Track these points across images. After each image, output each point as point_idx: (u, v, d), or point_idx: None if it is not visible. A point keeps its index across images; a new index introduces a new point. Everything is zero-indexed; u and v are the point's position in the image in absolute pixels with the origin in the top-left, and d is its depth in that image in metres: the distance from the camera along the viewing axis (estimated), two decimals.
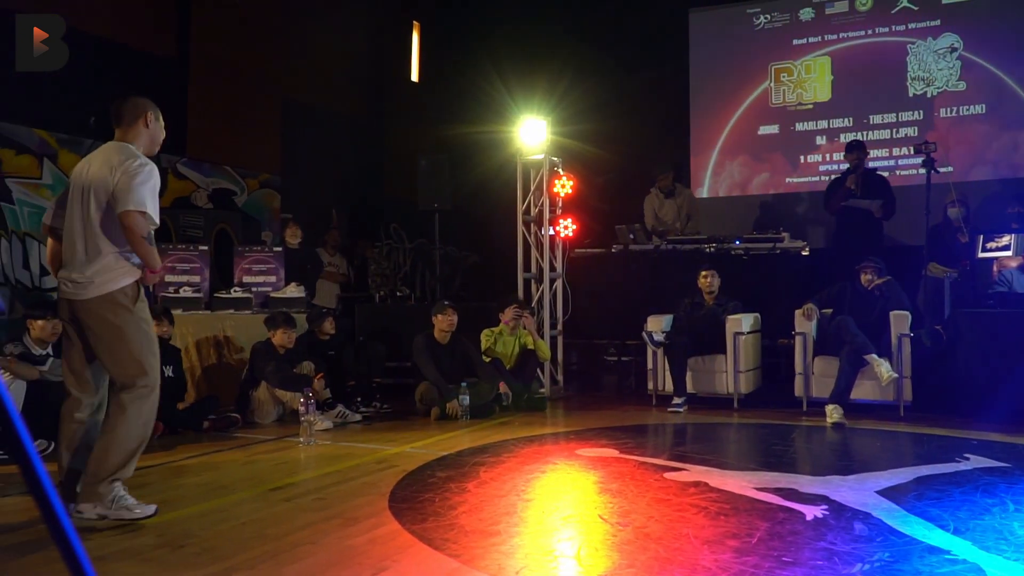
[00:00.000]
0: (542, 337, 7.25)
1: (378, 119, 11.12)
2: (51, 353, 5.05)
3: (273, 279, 7.23)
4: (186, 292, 6.60)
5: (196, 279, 6.77)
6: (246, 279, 7.13)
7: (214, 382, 6.37)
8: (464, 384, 6.09)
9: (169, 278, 6.66)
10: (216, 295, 6.83)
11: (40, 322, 5.02)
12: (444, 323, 6.40)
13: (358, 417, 6.06)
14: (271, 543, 3.04)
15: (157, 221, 3.39)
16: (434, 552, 2.93)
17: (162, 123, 3.68)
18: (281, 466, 4.51)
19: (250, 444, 5.19)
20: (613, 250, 8.19)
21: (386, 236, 11.00)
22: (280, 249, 7.43)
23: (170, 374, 5.63)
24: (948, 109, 8.94)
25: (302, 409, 5.15)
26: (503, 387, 6.40)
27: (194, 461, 4.68)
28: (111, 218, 3.35)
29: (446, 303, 6.57)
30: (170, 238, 7.88)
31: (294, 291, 7.13)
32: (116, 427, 3.31)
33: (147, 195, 3.34)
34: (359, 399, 6.40)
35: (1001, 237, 6.29)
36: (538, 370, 7.07)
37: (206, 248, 7.05)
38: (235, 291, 6.88)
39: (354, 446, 5.09)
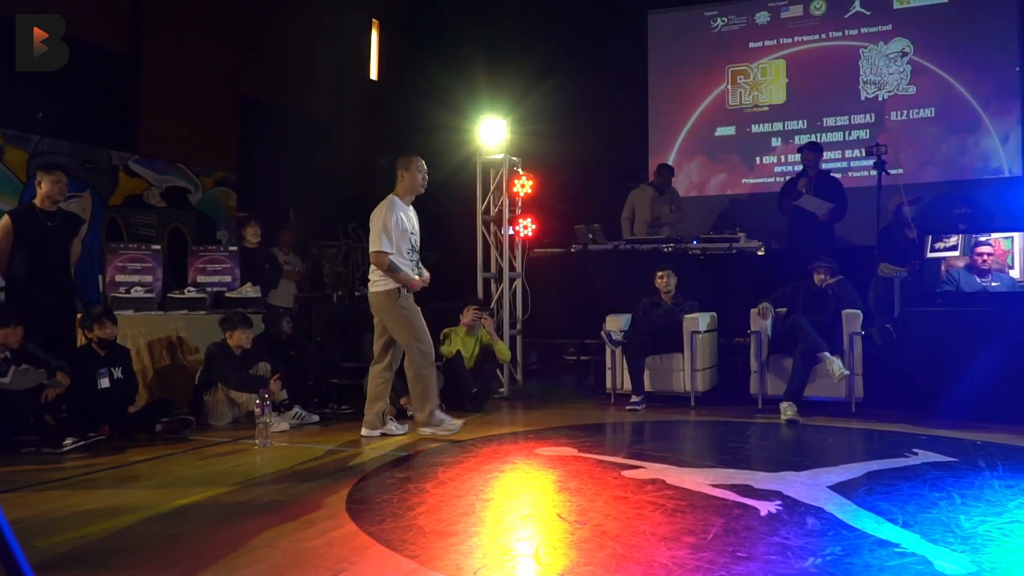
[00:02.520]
0: (501, 337, 7.26)
1: (337, 117, 11.02)
2: (11, 359, 4.93)
3: (228, 279, 7.12)
4: (138, 292, 6.47)
5: (148, 279, 6.65)
6: (200, 279, 7.02)
7: (167, 384, 6.26)
8: None
9: (120, 278, 6.54)
10: (169, 295, 6.71)
11: (2, 330, 4.90)
12: None
13: (316, 418, 6.00)
14: (226, 547, 2.99)
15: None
16: (392, 553, 2.91)
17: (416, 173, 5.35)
18: (236, 468, 4.45)
19: (204, 446, 5.11)
20: (572, 250, 8.23)
21: (344, 235, 10.91)
22: (235, 249, 7.32)
23: (120, 375, 5.53)
24: (899, 112, 9.13)
25: (258, 411, 5.08)
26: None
27: (147, 464, 4.59)
28: None
29: None
30: (121, 237, 7.73)
31: (250, 291, 7.03)
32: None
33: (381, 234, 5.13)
34: (316, 400, 6.34)
35: (949, 238, 6.43)
36: (497, 370, 7.08)
37: (159, 248, 6.93)
38: (189, 291, 6.77)
39: (311, 447, 5.05)
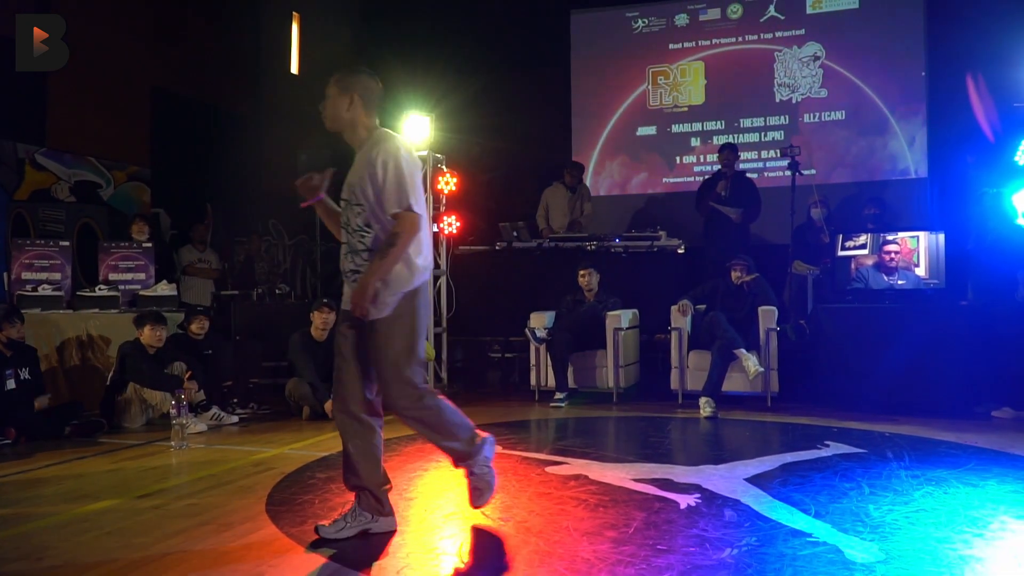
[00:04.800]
0: (426, 334, 7.21)
1: (256, 111, 10.77)
2: None
3: (142, 276, 6.90)
4: (46, 290, 6.21)
5: (57, 276, 6.38)
6: (112, 276, 6.77)
7: (77, 386, 6.03)
8: None
9: (27, 275, 6.26)
10: (79, 293, 6.46)
11: None
12: (320, 321, 6.26)
13: (234, 419, 5.87)
14: (138, 552, 2.90)
15: None
16: (313, 555, 2.87)
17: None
18: (150, 472, 4.31)
19: (116, 450, 4.93)
20: (497, 247, 8.24)
21: (265, 231, 10.68)
22: (149, 245, 7.09)
23: (26, 376, 5.31)
24: (811, 115, 9.44)
25: (174, 412, 4.94)
26: None
27: (54, 469, 4.41)
28: None
29: (324, 301, 6.44)
30: (28, 233, 7.40)
31: (165, 289, 6.83)
32: None
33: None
34: (235, 400, 6.19)
35: (858, 237, 6.68)
36: None
37: (68, 244, 6.65)
38: (100, 289, 6.52)
39: (229, 449, 4.93)
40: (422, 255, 3.10)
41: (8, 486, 4.01)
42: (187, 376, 5.74)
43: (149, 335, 5.78)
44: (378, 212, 3.07)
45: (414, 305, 3.11)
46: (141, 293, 6.73)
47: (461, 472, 3.25)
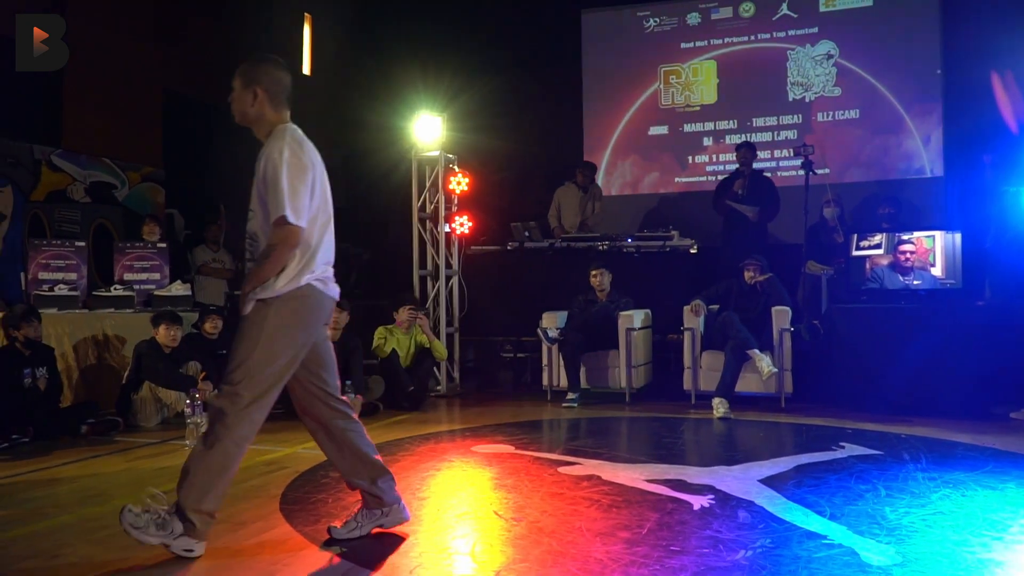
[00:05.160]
0: (438, 335, 7.23)
1: None
2: None
3: (157, 276, 6.94)
4: (62, 290, 6.25)
5: (73, 276, 6.42)
6: (127, 276, 6.81)
7: (93, 385, 6.06)
8: (348, 383, 5.98)
9: (43, 275, 6.30)
10: (95, 293, 6.50)
11: None
12: (332, 321, 6.26)
13: None
14: (153, 550, 2.90)
15: None
16: (326, 554, 2.87)
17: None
18: (165, 470, 4.33)
19: (132, 448, 4.96)
20: (508, 247, 8.24)
21: None
22: (164, 246, 7.13)
23: (43, 375, 5.34)
24: (825, 113, 9.39)
25: (188, 411, 4.97)
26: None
27: (70, 468, 4.44)
28: None
29: (336, 301, 6.44)
30: (44, 233, 7.46)
31: (179, 289, 6.86)
32: None
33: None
34: None
35: (873, 236, 6.64)
36: (434, 368, 7.05)
37: (83, 244, 6.70)
38: (115, 289, 6.56)
39: None
40: (298, 268, 2.85)
41: (25, 484, 4.04)
42: (202, 376, 5.77)
43: (164, 335, 5.81)
44: (262, 221, 2.87)
45: (264, 315, 2.83)
46: (156, 293, 6.77)
47: (475, 472, 3.22)
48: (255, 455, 4.70)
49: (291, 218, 2.75)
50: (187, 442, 4.91)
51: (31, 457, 4.64)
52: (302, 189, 2.83)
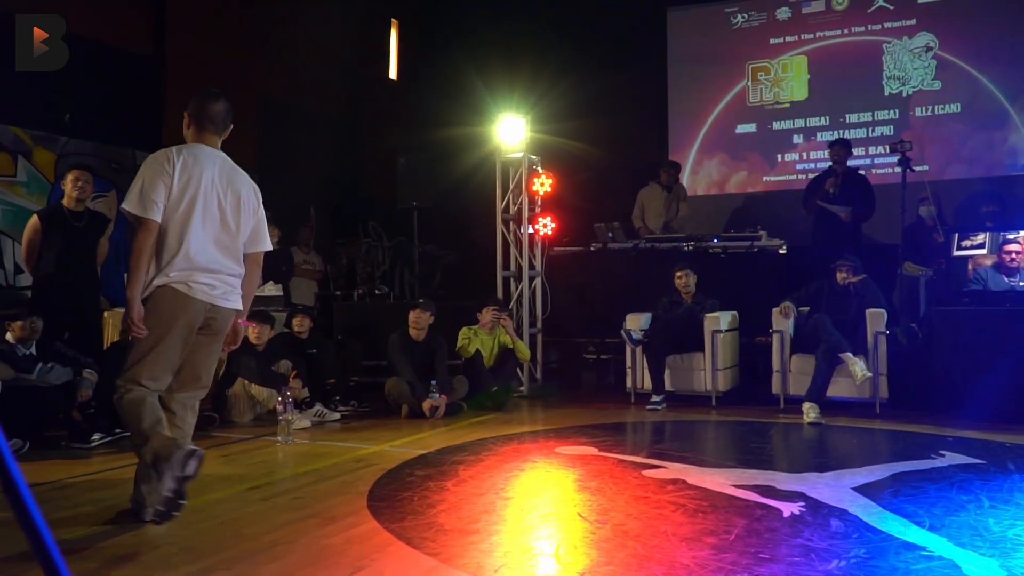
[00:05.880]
0: (521, 336, 7.25)
1: (356, 117, 11.06)
2: (35, 353, 4.99)
3: None
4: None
5: None
6: None
7: None
8: (433, 382, 6.06)
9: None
10: None
11: (19, 322, 4.96)
12: (414, 320, 6.38)
13: (336, 416, 6.03)
14: (248, 542, 3.01)
15: None
16: (413, 551, 2.91)
17: None
18: (259, 465, 4.47)
19: (227, 443, 5.14)
20: (592, 248, 8.21)
21: (364, 234, 10.93)
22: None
23: None
24: (923, 108, 9.03)
25: (280, 408, 5.12)
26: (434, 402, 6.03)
27: None
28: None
29: (420, 301, 6.55)
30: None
31: (271, 290, 7.08)
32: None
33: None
34: (337, 398, 6.36)
35: (976, 236, 6.36)
36: (517, 369, 7.08)
37: None
38: None
39: (332, 445, 5.06)
40: (161, 262, 3.26)
41: (129, 476, 4.21)
42: (293, 375, 5.93)
43: (251, 333, 6.00)
44: None
45: (151, 307, 3.25)
46: None
47: (558, 473, 3.23)
48: (344, 452, 4.81)
49: (132, 208, 3.23)
50: (278, 438, 5.06)
51: (135, 450, 4.84)
52: (152, 185, 3.25)
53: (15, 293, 6.69)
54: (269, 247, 3.69)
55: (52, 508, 3.52)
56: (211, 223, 3.35)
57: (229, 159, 3.58)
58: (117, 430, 5.15)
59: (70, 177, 5.68)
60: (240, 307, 3.51)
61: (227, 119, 3.59)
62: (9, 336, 4.97)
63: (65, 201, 5.69)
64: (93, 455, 4.75)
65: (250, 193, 3.57)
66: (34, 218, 5.65)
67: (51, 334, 5.22)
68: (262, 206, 3.67)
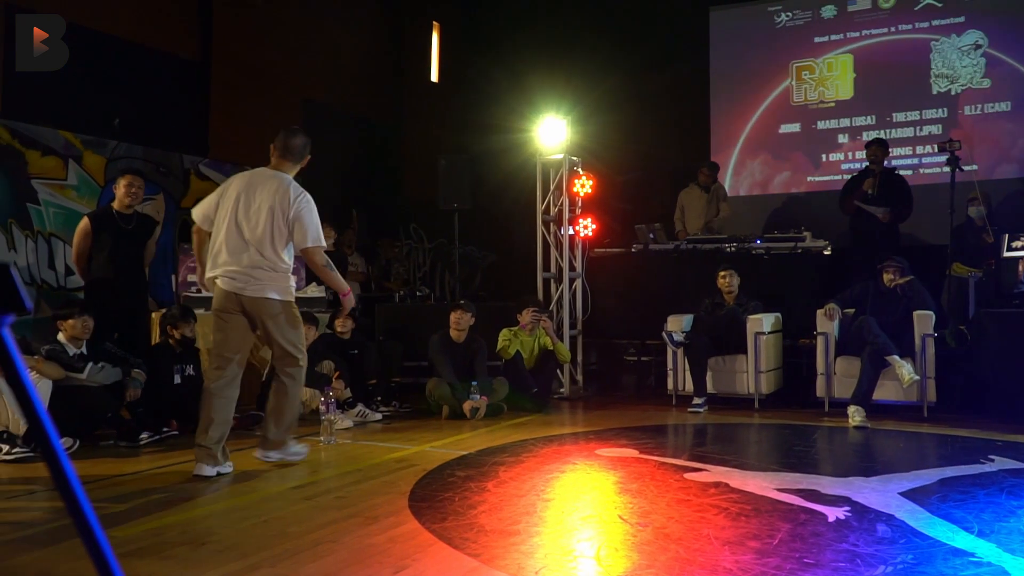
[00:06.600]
0: (561, 337, 7.24)
1: (398, 119, 11.16)
2: (85, 352, 5.12)
3: (295, 279, 7.24)
4: (208, 292, 6.62)
5: None
6: None
7: None
8: (474, 383, 6.08)
9: (192, 278, 6.70)
10: None
11: (71, 321, 5.09)
12: (455, 321, 6.41)
13: (378, 416, 6.09)
14: (292, 541, 3.06)
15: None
16: (454, 551, 2.93)
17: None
18: (302, 465, 4.53)
19: None
20: (633, 250, 8.17)
21: (406, 236, 11.02)
22: None
23: (191, 373, 5.68)
24: (972, 106, 8.83)
25: (322, 408, 5.18)
26: (475, 403, 6.07)
27: None
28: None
29: (460, 302, 6.59)
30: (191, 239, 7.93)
31: (315, 291, 7.16)
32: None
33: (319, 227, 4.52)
34: (379, 398, 6.42)
35: None
36: (557, 370, 7.08)
37: None
38: None
39: (374, 445, 5.11)
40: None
41: (175, 474, 4.31)
42: (335, 376, 5.99)
43: None
44: None
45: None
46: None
47: (599, 475, 3.23)
48: (385, 452, 4.85)
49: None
50: (321, 438, 5.12)
51: (181, 448, 4.95)
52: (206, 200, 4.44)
53: (66, 294, 6.87)
54: (308, 244, 4.39)
55: (102, 504, 3.61)
56: (231, 230, 4.30)
57: (284, 177, 4.46)
58: (164, 429, 5.27)
59: (123, 182, 5.82)
60: (264, 296, 4.38)
61: (304, 150, 4.54)
62: (61, 336, 5.10)
63: (115, 204, 5.83)
64: (141, 453, 4.87)
65: (276, 200, 4.33)
66: (84, 220, 5.80)
67: (101, 334, 5.35)
68: (302, 209, 4.38)
